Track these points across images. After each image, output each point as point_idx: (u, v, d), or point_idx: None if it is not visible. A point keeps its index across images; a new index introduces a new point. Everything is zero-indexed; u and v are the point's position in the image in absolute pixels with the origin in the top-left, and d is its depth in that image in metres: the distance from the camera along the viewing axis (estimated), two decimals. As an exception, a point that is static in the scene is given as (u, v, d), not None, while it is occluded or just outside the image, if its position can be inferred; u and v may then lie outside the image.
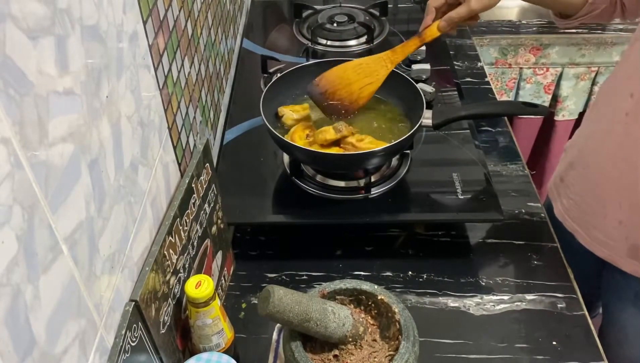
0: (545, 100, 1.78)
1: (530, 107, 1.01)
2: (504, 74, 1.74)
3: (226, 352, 0.75)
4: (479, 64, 1.46)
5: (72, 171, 0.50)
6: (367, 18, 1.50)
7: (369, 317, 0.76)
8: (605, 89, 0.98)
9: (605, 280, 1.04)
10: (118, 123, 0.60)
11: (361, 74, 0.97)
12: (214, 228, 0.87)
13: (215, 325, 0.73)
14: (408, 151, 1.06)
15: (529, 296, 0.92)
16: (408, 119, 1.05)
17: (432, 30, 0.94)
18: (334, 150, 0.99)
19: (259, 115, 0.98)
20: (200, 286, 0.70)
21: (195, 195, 0.79)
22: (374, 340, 0.74)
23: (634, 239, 0.90)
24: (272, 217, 1.00)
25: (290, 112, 1.05)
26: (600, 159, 0.93)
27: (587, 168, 0.97)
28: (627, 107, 0.85)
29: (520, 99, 1.77)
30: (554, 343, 0.86)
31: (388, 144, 0.94)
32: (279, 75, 1.09)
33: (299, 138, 1.00)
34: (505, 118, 1.29)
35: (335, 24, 1.47)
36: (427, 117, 0.98)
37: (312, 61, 1.12)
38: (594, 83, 1.74)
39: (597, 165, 0.94)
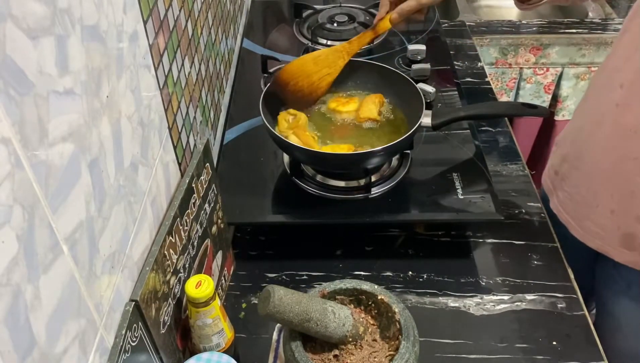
0: (545, 100, 1.78)
1: (530, 108, 1.01)
2: (504, 74, 1.74)
3: (226, 352, 0.75)
4: (479, 64, 1.46)
5: (72, 171, 0.50)
6: (367, 18, 1.50)
7: (369, 317, 0.76)
8: (595, 82, 0.99)
9: (598, 273, 1.04)
10: (118, 123, 0.60)
11: (319, 65, 1.02)
12: (214, 228, 0.87)
13: (215, 325, 0.73)
14: (408, 151, 1.06)
15: (529, 296, 0.92)
16: (408, 119, 1.05)
17: (384, 22, 0.99)
18: (335, 149, 0.99)
19: (259, 115, 0.98)
20: (200, 286, 0.70)
21: (195, 195, 0.79)
22: (374, 340, 0.74)
23: (625, 228, 0.91)
24: (272, 217, 1.00)
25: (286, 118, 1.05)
26: (592, 150, 0.94)
27: (580, 159, 0.98)
28: (617, 98, 0.86)
29: (521, 99, 1.77)
30: (554, 343, 0.86)
31: (388, 144, 0.94)
32: (279, 75, 1.09)
33: (284, 120, 1.02)
34: (506, 118, 1.29)
35: (335, 24, 1.47)
36: (426, 118, 0.98)
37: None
38: (594, 83, 1.74)
39: (589, 156, 0.95)
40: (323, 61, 1.00)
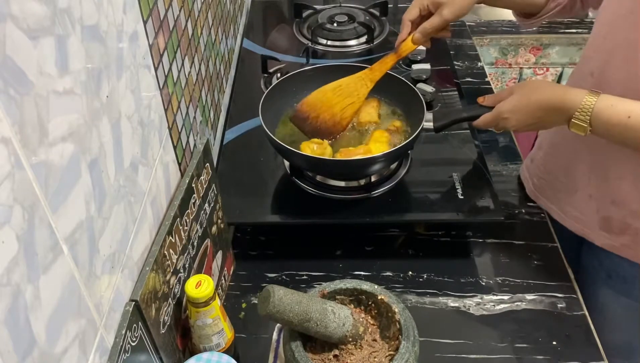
0: (545, 100, 1.78)
1: None
2: (504, 74, 1.74)
3: (226, 351, 0.75)
4: (479, 64, 1.46)
5: (72, 171, 0.50)
6: (367, 18, 1.50)
7: (369, 317, 0.76)
8: (571, 73, 1.01)
9: (582, 265, 1.04)
10: (118, 123, 0.60)
11: (341, 95, 0.98)
12: (214, 228, 0.87)
13: (215, 325, 0.73)
14: (408, 151, 1.06)
15: (529, 296, 0.92)
16: (408, 123, 1.05)
17: (407, 44, 0.95)
18: (350, 154, 0.98)
19: (259, 115, 0.98)
20: (200, 286, 0.70)
21: (195, 195, 0.79)
22: (374, 340, 0.74)
23: (603, 211, 0.93)
24: (272, 217, 1.00)
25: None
26: (567, 137, 0.95)
27: (554, 146, 1.01)
28: (588, 85, 0.88)
29: (521, 99, 1.77)
30: (554, 343, 0.86)
31: (389, 150, 0.93)
32: (278, 76, 1.09)
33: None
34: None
35: (335, 24, 1.47)
36: (428, 120, 0.98)
37: (311, 67, 1.12)
38: (594, 83, 1.74)
39: (564, 143, 0.97)
40: (344, 91, 0.97)
